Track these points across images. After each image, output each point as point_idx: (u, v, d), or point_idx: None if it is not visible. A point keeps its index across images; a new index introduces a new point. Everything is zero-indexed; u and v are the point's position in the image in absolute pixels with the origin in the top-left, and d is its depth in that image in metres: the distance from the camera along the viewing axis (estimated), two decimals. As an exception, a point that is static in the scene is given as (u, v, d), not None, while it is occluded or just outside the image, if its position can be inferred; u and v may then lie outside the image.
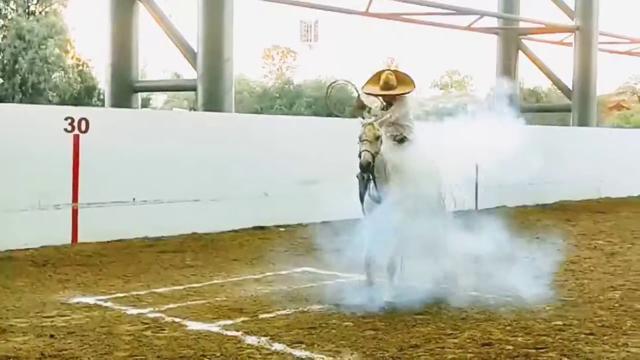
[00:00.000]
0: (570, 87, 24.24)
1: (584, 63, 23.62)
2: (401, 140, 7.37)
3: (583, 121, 23.16)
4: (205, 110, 15.77)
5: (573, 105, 24.05)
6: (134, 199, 11.06)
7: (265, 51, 53.94)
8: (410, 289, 7.18)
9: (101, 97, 29.19)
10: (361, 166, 6.77)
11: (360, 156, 6.78)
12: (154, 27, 17.81)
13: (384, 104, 7.42)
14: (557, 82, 25.59)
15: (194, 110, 21.73)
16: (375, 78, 7.42)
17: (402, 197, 6.95)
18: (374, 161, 6.81)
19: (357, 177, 7.00)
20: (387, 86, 7.30)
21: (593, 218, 14.61)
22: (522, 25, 24.91)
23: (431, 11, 22.13)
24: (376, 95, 7.37)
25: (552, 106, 34.05)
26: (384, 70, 7.54)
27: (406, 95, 7.44)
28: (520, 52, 25.24)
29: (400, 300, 6.86)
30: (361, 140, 6.83)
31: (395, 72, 7.61)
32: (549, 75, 25.58)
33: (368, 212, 7.24)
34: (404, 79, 7.46)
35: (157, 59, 51.67)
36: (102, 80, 25.46)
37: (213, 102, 15.84)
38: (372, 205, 7.16)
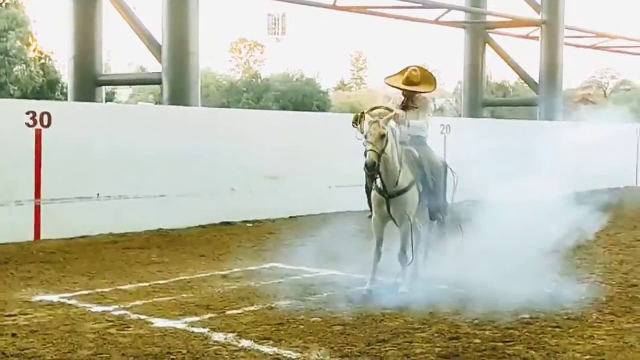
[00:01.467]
0: (537, 81, 24.45)
1: (550, 57, 23.84)
2: (416, 138, 7.51)
3: (549, 115, 23.38)
4: (171, 104, 15.59)
5: (539, 99, 24.28)
6: (98, 195, 10.89)
7: (232, 44, 53.79)
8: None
9: (64, 90, 28.76)
10: (366, 166, 6.77)
11: (365, 155, 6.78)
12: (117, 19, 17.56)
13: (404, 98, 7.59)
14: (523, 76, 25.80)
15: (160, 104, 21.51)
16: (400, 73, 7.62)
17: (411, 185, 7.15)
18: (379, 160, 6.79)
19: (364, 169, 6.97)
20: (409, 82, 7.49)
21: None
22: (489, 19, 25.06)
23: (399, 4, 22.15)
24: (398, 88, 7.53)
25: (519, 100, 34.41)
26: (409, 67, 7.68)
27: (426, 94, 7.66)
28: (487, 45, 25.40)
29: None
30: (366, 138, 6.82)
31: (420, 69, 7.73)
32: (516, 69, 25.78)
33: (376, 206, 7.27)
34: (427, 77, 7.67)
35: (121, 52, 51.15)
36: (65, 74, 25.13)
37: (179, 96, 15.66)
38: (381, 200, 7.18)
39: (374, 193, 7.26)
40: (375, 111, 6.94)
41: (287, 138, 13.22)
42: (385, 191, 7.11)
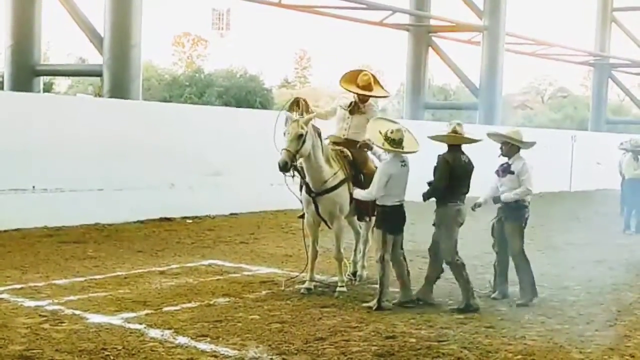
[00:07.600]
0: (477, 86, 24.86)
1: (491, 62, 24.27)
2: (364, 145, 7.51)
3: (488, 119, 23.80)
4: (112, 96, 15.35)
5: (479, 104, 24.70)
6: (33, 187, 10.66)
7: (176, 38, 53.07)
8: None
9: (0, 80, 27.97)
10: (279, 165, 6.77)
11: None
12: (58, 8, 17.17)
13: (354, 101, 7.59)
14: (464, 80, 26.19)
15: (99, 96, 21.13)
16: (352, 77, 7.59)
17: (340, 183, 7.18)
18: (293, 160, 6.80)
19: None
20: (364, 87, 7.49)
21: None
22: (432, 22, 25.37)
23: (344, 5, 22.26)
24: (356, 93, 7.53)
25: (459, 104, 34.93)
26: (361, 71, 7.72)
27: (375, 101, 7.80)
28: (430, 49, 25.71)
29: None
30: (284, 136, 6.85)
31: (370, 74, 7.74)
32: (457, 73, 26.15)
33: (305, 205, 7.31)
34: (377, 83, 7.70)
35: (61, 42, 49.98)
36: (1, 63, 24.42)
37: (119, 89, 15.44)
38: (308, 200, 7.24)
39: (302, 193, 7.30)
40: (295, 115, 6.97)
41: (229, 135, 13.15)
42: (311, 190, 7.15)
